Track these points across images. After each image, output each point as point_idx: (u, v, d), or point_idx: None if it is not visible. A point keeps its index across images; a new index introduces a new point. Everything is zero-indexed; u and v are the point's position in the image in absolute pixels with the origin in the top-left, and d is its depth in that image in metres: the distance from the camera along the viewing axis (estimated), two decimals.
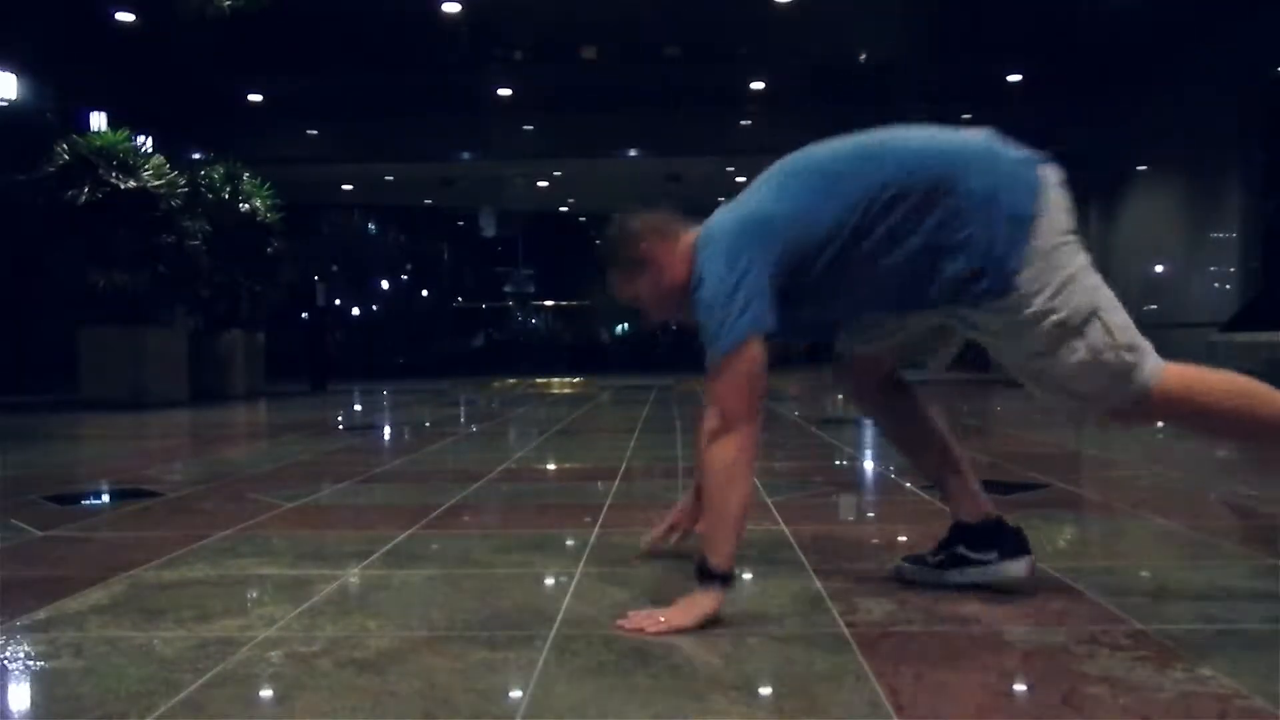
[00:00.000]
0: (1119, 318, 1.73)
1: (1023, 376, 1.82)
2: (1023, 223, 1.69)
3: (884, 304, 1.86)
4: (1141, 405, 1.73)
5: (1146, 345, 1.74)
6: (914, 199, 1.73)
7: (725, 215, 1.86)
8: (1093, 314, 1.70)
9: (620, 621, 1.68)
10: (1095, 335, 1.69)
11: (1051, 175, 1.77)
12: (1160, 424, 1.82)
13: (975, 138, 1.80)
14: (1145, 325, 1.83)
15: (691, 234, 1.90)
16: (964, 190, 1.71)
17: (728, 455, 1.71)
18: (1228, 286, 11.28)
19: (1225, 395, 1.74)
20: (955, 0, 11.63)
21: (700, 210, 1.98)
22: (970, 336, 1.90)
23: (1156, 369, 1.72)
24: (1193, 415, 1.77)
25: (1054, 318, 1.68)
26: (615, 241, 1.95)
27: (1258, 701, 1.31)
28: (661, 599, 1.80)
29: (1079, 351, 1.69)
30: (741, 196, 1.89)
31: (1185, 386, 1.74)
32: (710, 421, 1.75)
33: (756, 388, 1.73)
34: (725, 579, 1.70)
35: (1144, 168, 13.49)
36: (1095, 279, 1.75)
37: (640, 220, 1.94)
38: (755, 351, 1.72)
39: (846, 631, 1.65)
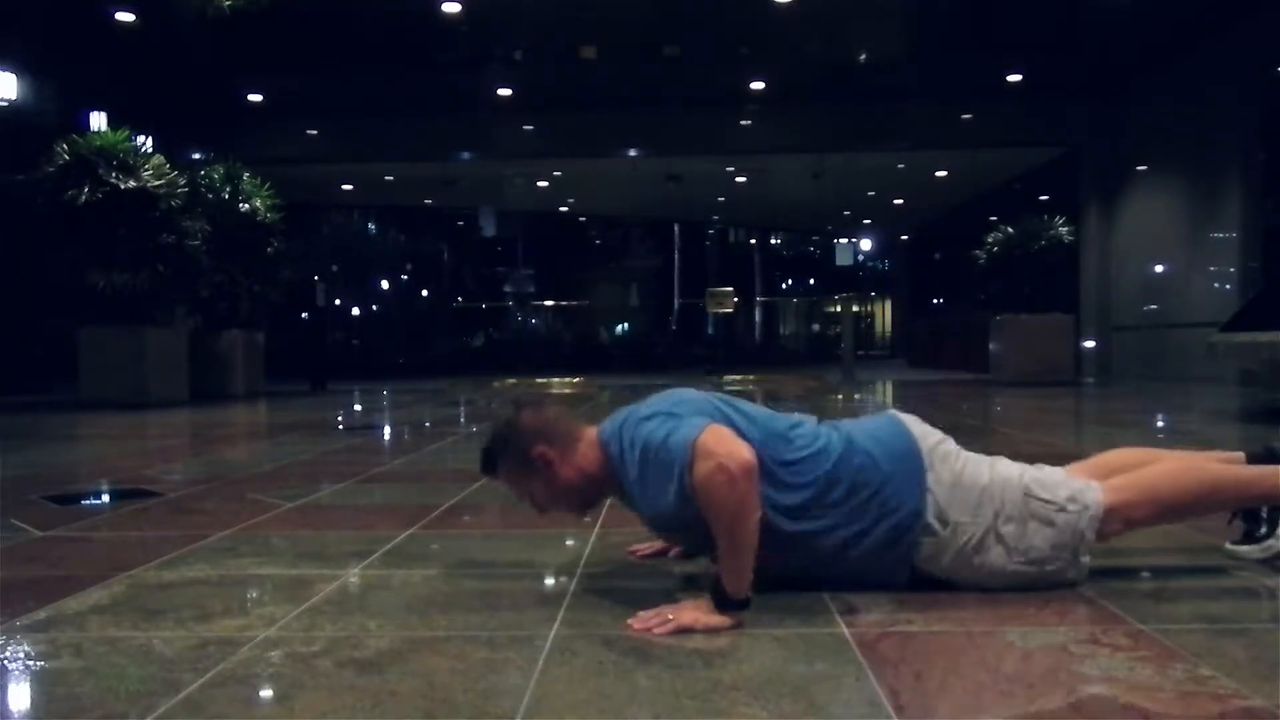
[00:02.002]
0: (1044, 478, 1.90)
1: (1011, 580, 1.89)
2: (920, 472, 1.85)
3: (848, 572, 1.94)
4: (1107, 524, 1.88)
5: (1076, 482, 1.91)
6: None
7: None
8: (1025, 494, 1.86)
9: (630, 621, 1.68)
10: (1040, 508, 1.85)
11: (904, 417, 1.96)
12: (1134, 529, 1.98)
13: (831, 433, 1.93)
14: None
15: (591, 427, 1.98)
16: (851, 473, 1.85)
17: (733, 491, 1.67)
18: (1228, 286, 11.27)
19: (1164, 475, 1.96)
20: (955, 0, 11.62)
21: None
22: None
23: (1097, 494, 1.88)
24: (1151, 504, 1.93)
25: (1001, 521, 1.83)
26: (507, 440, 1.96)
27: (1258, 701, 1.31)
28: (663, 599, 1.80)
29: (1039, 531, 1.84)
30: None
31: (1128, 487, 1.92)
32: (701, 471, 1.68)
33: (737, 438, 1.73)
34: (744, 604, 1.69)
35: (1144, 168, 13.49)
36: (1000, 465, 1.91)
37: (531, 418, 1.96)
38: (717, 427, 1.75)
39: (846, 631, 1.65)
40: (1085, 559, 1.88)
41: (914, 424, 1.94)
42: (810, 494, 1.83)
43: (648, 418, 1.85)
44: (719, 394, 1.99)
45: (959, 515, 1.83)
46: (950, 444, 1.93)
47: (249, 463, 4.44)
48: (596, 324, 25.82)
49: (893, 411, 2.00)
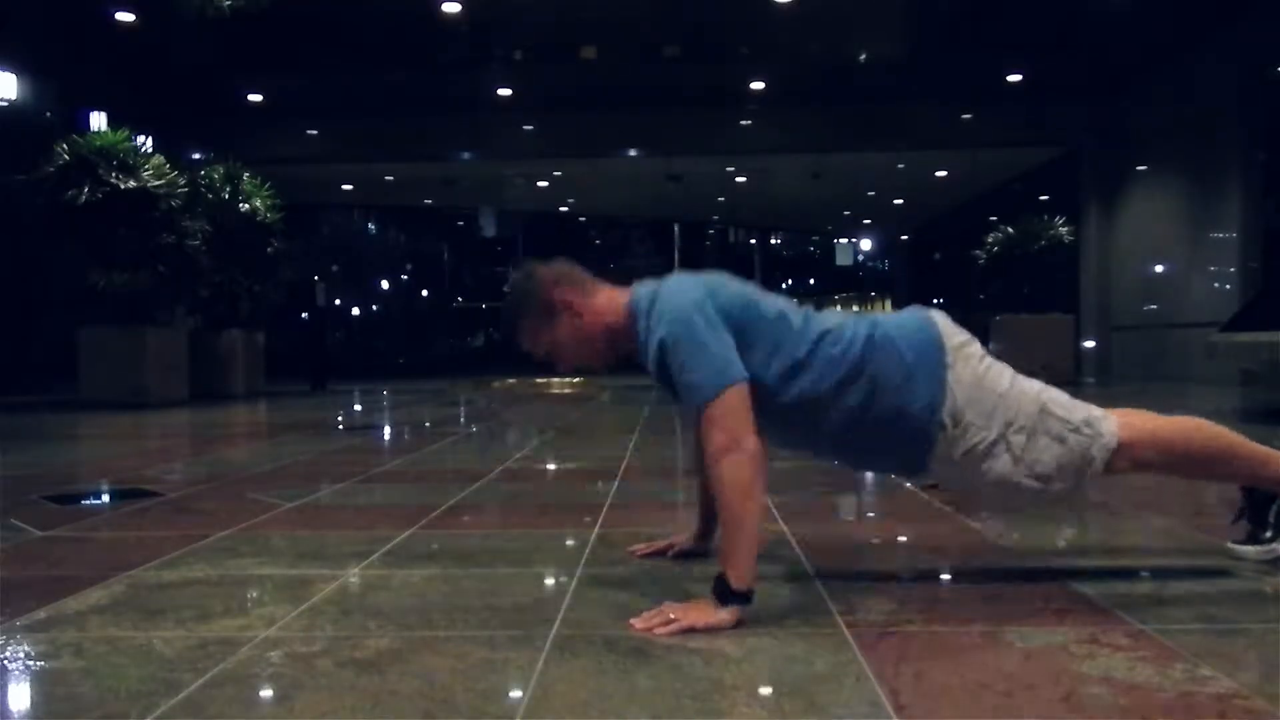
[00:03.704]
0: (1062, 399, 1.90)
1: (1011, 492, 1.90)
2: (940, 366, 1.84)
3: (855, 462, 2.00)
4: (1116, 458, 1.87)
5: (1095, 410, 1.90)
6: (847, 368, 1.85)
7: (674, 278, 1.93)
8: (1041, 410, 1.85)
9: (632, 620, 1.68)
10: (1053, 424, 1.85)
11: (933, 313, 1.95)
12: (1141, 471, 1.96)
13: (859, 323, 1.93)
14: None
15: (611, 288, 1.99)
16: (876, 363, 1.84)
17: (742, 472, 1.68)
18: (1228, 286, 11.27)
19: (1180, 427, 1.95)
20: (955, 0, 11.63)
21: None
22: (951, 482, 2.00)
23: (1112, 425, 1.88)
24: (1161, 451, 1.93)
25: (1013, 430, 1.83)
26: (526, 290, 1.97)
27: (1258, 702, 1.31)
28: (663, 599, 1.80)
29: (1048, 447, 1.84)
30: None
31: (1141, 428, 1.91)
32: (714, 443, 1.71)
33: (750, 415, 1.74)
34: (746, 597, 1.68)
35: (1144, 168, 13.49)
36: (1022, 379, 1.91)
37: (548, 268, 1.99)
38: (740, 390, 1.75)
39: (846, 631, 1.65)
40: (1089, 485, 1.89)
41: (942, 321, 1.93)
42: (835, 379, 1.84)
43: (673, 319, 1.80)
44: (748, 286, 1.95)
45: (973, 417, 1.83)
46: (976, 345, 1.92)
47: (249, 463, 4.44)
48: None
49: (922, 308, 1.99)
